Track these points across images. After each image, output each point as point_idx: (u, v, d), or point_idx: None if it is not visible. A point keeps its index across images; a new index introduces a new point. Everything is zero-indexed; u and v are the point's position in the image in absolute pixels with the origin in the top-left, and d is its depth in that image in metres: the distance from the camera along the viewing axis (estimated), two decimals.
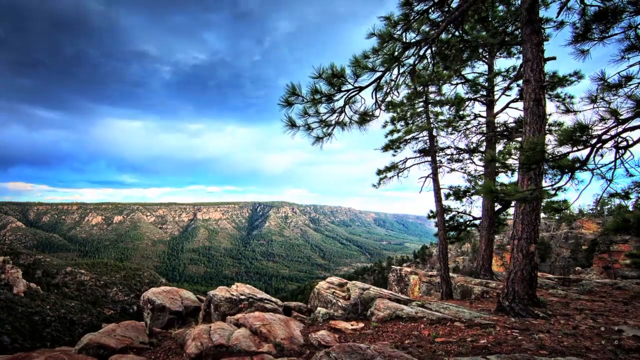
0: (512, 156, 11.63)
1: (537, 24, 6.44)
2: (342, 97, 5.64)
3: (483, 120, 12.62)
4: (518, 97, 11.78)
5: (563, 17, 6.56)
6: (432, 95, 12.39)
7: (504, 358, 3.49)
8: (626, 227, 3.88)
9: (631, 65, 4.65)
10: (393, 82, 5.85)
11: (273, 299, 7.72)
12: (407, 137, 12.53)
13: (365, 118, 5.89)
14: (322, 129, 5.93)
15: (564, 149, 4.14)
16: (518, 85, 11.86)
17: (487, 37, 9.29)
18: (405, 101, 12.36)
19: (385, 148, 12.70)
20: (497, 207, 12.46)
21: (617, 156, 4.04)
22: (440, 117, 12.63)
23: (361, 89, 5.58)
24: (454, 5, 6.32)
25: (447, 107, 12.27)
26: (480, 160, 13.15)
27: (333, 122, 5.94)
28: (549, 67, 9.71)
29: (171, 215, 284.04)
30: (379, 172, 12.98)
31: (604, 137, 3.91)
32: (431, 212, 12.80)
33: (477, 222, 13.23)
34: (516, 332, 4.67)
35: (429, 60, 6.60)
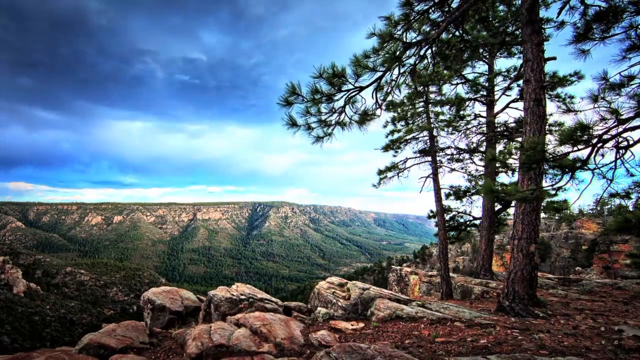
0: (513, 156, 11.63)
1: (538, 24, 6.44)
2: (342, 96, 5.64)
3: (483, 120, 12.62)
4: (518, 97, 11.78)
5: (564, 17, 6.57)
6: (432, 95, 12.39)
7: (504, 358, 3.49)
8: (627, 227, 3.87)
9: (632, 65, 4.65)
10: (394, 82, 5.85)
11: (273, 299, 7.71)
12: (408, 137, 12.52)
13: (365, 118, 5.89)
14: (322, 129, 5.93)
15: (565, 149, 4.14)
16: (518, 85, 11.87)
17: (488, 37, 9.29)
18: (405, 101, 12.35)
19: (386, 148, 12.69)
20: (498, 207, 12.46)
21: (618, 156, 4.04)
22: (441, 117, 12.63)
23: (362, 88, 5.58)
24: (454, 5, 6.33)
25: (447, 107, 12.27)
26: (481, 160, 13.15)
27: (333, 121, 5.94)
28: (549, 67, 9.70)
29: (171, 215, 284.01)
30: (380, 172, 12.97)
31: (605, 137, 3.91)
32: (431, 212, 12.80)
33: (477, 222, 13.23)
34: (516, 332, 4.67)
35: (430, 60, 6.60)
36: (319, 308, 6.86)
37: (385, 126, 12.93)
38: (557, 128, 11.36)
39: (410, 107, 12.56)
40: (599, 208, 37.24)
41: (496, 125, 12.41)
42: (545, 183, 6.01)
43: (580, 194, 4.45)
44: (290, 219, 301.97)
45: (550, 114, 10.32)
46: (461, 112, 12.40)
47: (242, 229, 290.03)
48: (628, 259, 21.96)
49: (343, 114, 5.90)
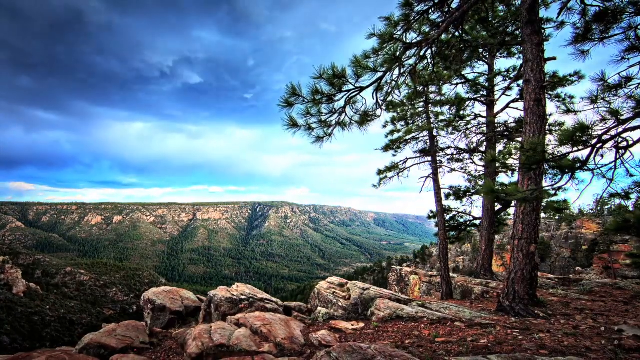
0: (513, 156, 11.64)
1: (538, 24, 6.45)
2: (342, 97, 5.65)
3: (483, 120, 12.63)
4: (518, 97, 11.79)
5: (563, 17, 6.58)
6: (432, 95, 12.39)
7: (505, 358, 3.50)
8: (627, 227, 3.89)
9: (631, 66, 4.67)
10: (394, 83, 5.86)
11: (273, 299, 7.72)
12: (408, 137, 12.53)
13: (366, 118, 5.90)
14: (322, 129, 5.94)
15: (565, 149, 4.15)
16: (518, 86, 11.88)
17: (488, 38, 9.30)
18: (405, 101, 12.36)
19: (386, 148, 12.70)
20: (498, 207, 12.47)
21: (618, 156, 4.05)
22: (441, 117, 12.64)
23: (362, 89, 5.58)
24: (454, 5, 6.33)
25: (447, 107, 12.27)
26: (481, 160, 13.16)
27: (334, 122, 5.95)
28: (549, 67, 9.72)
29: (171, 215, 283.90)
30: (379, 172, 12.98)
31: (605, 137, 3.92)
32: (431, 212, 12.81)
33: (478, 222, 13.24)
34: (516, 332, 4.68)
35: (430, 60, 6.61)
36: (319, 308, 6.87)
37: (385, 126, 12.95)
38: (557, 128, 11.37)
39: (410, 107, 12.57)
40: (599, 208, 37.26)
41: (496, 125, 12.42)
42: (545, 183, 6.02)
43: (580, 194, 4.47)
44: (290, 219, 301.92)
45: (550, 114, 10.33)
46: (461, 112, 12.41)
47: (242, 229, 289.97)
48: (628, 259, 21.98)
49: (343, 115, 5.91)
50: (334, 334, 5.24)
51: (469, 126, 12.73)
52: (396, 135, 12.75)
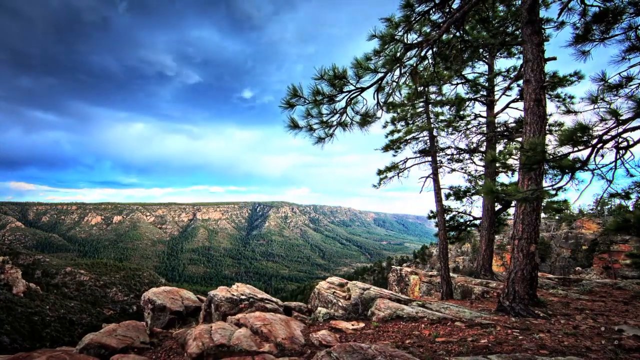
0: (513, 156, 11.65)
1: (538, 25, 6.45)
2: (343, 98, 5.65)
3: (483, 120, 12.64)
4: (518, 97, 11.80)
5: (564, 17, 6.58)
6: (432, 96, 12.39)
7: (505, 357, 3.50)
8: (627, 227, 3.89)
9: (632, 66, 4.67)
10: (395, 83, 5.86)
11: (273, 299, 7.72)
12: (408, 137, 12.54)
13: (367, 119, 5.90)
14: (323, 130, 5.94)
15: (565, 149, 4.15)
16: (518, 86, 11.88)
17: (488, 38, 9.31)
18: (405, 101, 12.36)
19: (386, 148, 12.71)
20: (498, 207, 12.47)
21: (618, 156, 4.06)
22: (441, 117, 12.64)
23: (363, 89, 5.59)
24: (454, 6, 6.34)
25: (447, 107, 12.28)
26: (481, 160, 13.17)
27: (335, 123, 5.95)
28: (549, 67, 9.72)
29: (170, 215, 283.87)
30: (380, 172, 12.99)
31: (605, 137, 3.93)
32: (431, 212, 12.81)
33: (478, 222, 13.24)
34: (517, 331, 4.68)
35: (430, 60, 6.61)
36: (319, 308, 6.88)
37: (385, 126, 12.96)
38: (557, 128, 11.38)
39: (410, 107, 12.58)
40: (599, 208, 37.27)
41: (496, 125, 12.42)
42: (546, 183, 6.03)
43: (580, 194, 4.47)
44: (290, 219, 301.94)
45: (550, 114, 10.34)
46: (461, 112, 12.41)
47: (242, 229, 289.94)
48: (628, 259, 21.99)
49: (344, 115, 5.91)
50: (334, 334, 5.24)
51: (469, 126, 12.74)
52: (396, 136, 12.76)
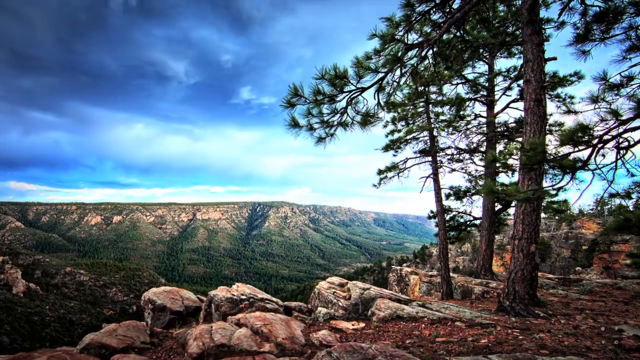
0: (513, 156, 11.65)
1: (538, 25, 6.45)
2: (344, 97, 5.65)
3: (484, 120, 12.64)
4: (519, 97, 11.80)
5: (564, 17, 6.59)
6: (433, 96, 12.40)
7: (505, 357, 3.50)
8: (627, 227, 3.89)
9: (632, 66, 4.67)
10: (395, 83, 5.86)
11: (274, 299, 7.72)
12: (408, 137, 12.54)
13: (367, 119, 5.90)
14: (324, 130, 5.94)
15: (565, 150, 4.15)
16: (519, 86, 11.88)
17: (488, 38, 9.30)
18: (406, 101, 12.36)
19: (386, 148, 12.71)
20: (498, 207, 12.47)
21: (618, 156, 4.06)
22: (441, 117, 12.64)
23: (363, 89, 5.59)
24: (455, 6, 6.34)
25: (447, 107, 12.28)
26: (481, 160, 13.17)
27: (335, 122, 5.95)
28: (549, 67, 9.72)
29: (170, 215, 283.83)
30: (380, 172, 12.99)
31: (605, 137, 3.93)
32: (431, 212, 12.81)
33: (478, 222, 13.24)
34: (517, 331, 4.68)
35: (431, 60, 6.61)
36: (319, 308, 6.88)
37: (385, 126, 12.97)
38: (557, 128, 11.38)
39: (410, 107, 12.58)
40: (599, 208, 37.26)
41: (496, 125, 12.42)
42: (546, 183, 6.03)
43: (581, 194, 4.48)
44: (290, 219, 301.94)
45: (551, 114, 10.34)
46: (461, 112, 12.41)
47: (242, 229, 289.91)
48: (628, 259, 21.99)
49: (345, 115, 5.91)
50: (335, 334, 5.24)
51: (469, 126, 12.74)
52: (397, 135, 12.77)
